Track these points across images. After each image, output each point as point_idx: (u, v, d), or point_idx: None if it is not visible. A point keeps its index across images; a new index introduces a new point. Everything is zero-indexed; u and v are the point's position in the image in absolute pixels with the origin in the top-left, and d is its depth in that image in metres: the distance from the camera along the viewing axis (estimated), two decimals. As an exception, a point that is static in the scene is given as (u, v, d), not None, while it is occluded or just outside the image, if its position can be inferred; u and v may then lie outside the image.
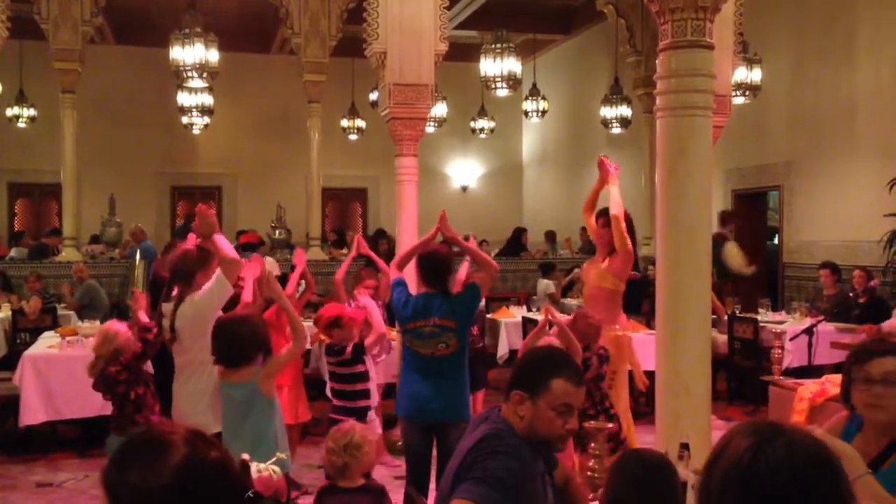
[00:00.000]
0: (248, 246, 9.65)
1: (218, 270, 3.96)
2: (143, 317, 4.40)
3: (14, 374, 6.48)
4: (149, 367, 4.59)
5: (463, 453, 2.56)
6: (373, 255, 6.17)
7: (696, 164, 3.67)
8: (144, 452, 1.44)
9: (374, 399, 5.23)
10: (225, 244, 4.01)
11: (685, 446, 2.95)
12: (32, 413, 6.29)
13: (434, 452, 4.52)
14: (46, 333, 7.62)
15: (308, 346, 6.28)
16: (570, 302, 10.05)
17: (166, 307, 4.13)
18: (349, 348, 4.89)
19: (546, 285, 10.53)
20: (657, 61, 3.75)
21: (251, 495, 1.54)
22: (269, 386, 3.76)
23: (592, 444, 3.69)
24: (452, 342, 4.35)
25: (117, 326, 4.37)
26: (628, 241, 5.36)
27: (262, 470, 2.50)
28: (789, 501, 1.40)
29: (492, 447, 2.49)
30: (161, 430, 1.49)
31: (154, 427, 1.53)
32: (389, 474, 5.79)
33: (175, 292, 4.12)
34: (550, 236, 15.04)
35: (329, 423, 4.80)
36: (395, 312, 4.56)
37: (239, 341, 3.68)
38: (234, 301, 4.24)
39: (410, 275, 4.75)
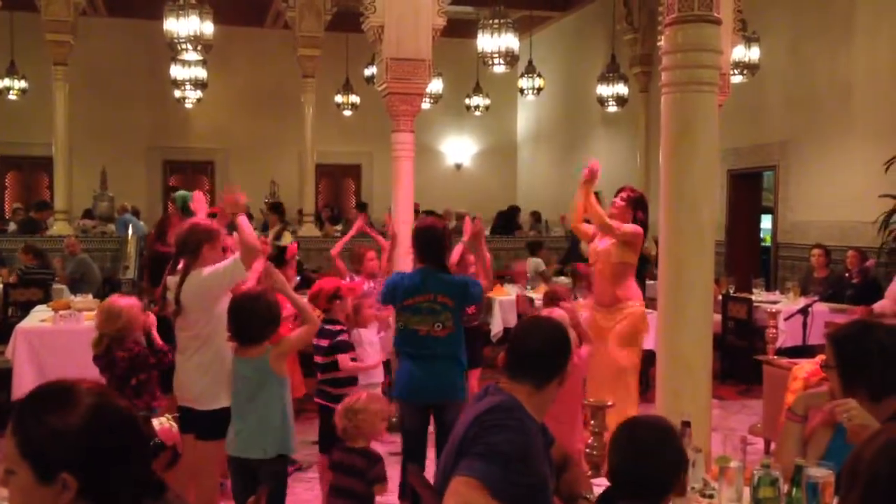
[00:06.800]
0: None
1: (237, 254, 3.90)
2: (158, 339, 4.23)
3: (6, 347, 6.44)
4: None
5: (467, 424, 2.49)
6: (374, 234, 6.59)
7: (701, 141, 3.64)
8: (54, 400, 1.50)
9: (380, 375, 5.20)
10: (248, 229, 3.92)
11: (687, 424, 2.93)
12: (26, 387, 6.23)
13: (431, 429, 4.51)
14: (38, 307, 7.57)
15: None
16: (564, 280, 9.98)
17: (171, 280, 4.06)
18: (340, 335, 4.71)
19: (536, 263, 10.47)
20: (663, 36, 3.71)
21: (156, 443, 1.64)
22: (280, 366, 3.74)
23: (592, 422, 3.70)
24: (449, 323, 4.31)
25: (121, 302, 4.17)
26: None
27: (164, 423, 2.59)
28: None
29: (497, 420, 2.43)
30: (65, 382, 1.55)
31: (57, 381, 1.57)
32: (385, 451, 5.76)
33: (181, 266, 4.05)
34: (536, 216, 15.06)
35: (320, 409, 4.71)
36: (393, 290, 4.44)
37: (256, 319, 3.66)
38: None
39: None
